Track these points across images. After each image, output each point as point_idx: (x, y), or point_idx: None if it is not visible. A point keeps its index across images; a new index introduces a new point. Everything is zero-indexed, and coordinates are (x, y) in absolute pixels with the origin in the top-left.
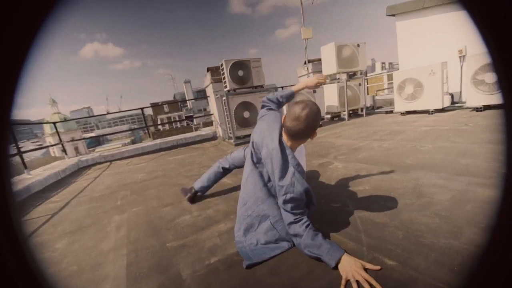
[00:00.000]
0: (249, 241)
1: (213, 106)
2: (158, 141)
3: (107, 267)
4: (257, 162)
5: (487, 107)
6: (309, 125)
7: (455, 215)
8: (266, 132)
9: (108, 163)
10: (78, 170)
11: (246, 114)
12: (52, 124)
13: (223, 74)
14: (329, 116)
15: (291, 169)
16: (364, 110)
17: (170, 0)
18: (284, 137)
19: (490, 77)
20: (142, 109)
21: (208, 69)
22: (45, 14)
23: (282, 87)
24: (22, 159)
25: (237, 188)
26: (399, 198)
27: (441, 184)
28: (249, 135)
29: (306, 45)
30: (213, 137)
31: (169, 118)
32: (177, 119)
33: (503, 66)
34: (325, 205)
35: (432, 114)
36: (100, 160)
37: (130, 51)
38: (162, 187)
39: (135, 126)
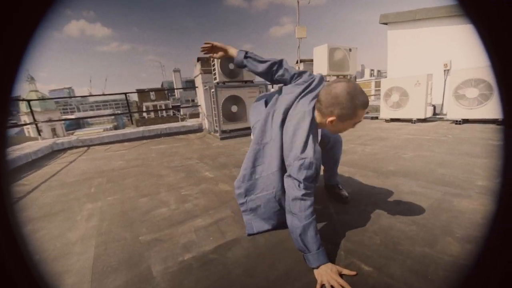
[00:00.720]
0: (250, 205)
1: (201, 97)
2: (141, 128)
3: (72, 259)
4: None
5: (465, 121)
6: (331, 101)
7: (431, 223)
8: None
9: (85, 148)
10: (52, 153)
11: (234, 109)
12: (27, 102)
13: (214, 65)
14: None
15: (312, 143)
16: None
17: None
18: (316, 112)
19: (471, 92)
20: (126, 94)
21: (198, 59)
22: None
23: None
24: None
25: (219, 181)
26: (379, 204)
27: (419, 192)
28: (236, 130)
29: (300, 44)
30: (199, 129)
31: (155, 106)
32: (164, 108)
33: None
34: None
35: (414, 123)
36: (77, 144)
37: (119, 33)
38: (141, 176)
39: (119, 112)
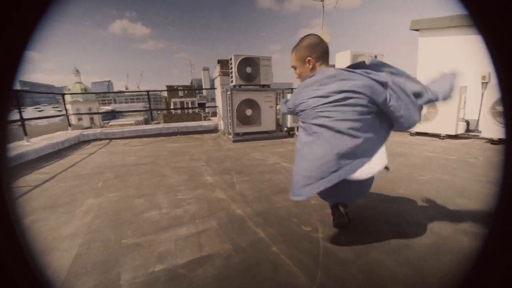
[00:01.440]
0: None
1: (218, 98)
2: (160, 125)
3: (56, 255)
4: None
5: (502, 140)
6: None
7: (428, 266)
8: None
9: (108, 141)
10: (78, 144)
11: (249, 112)
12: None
13: (231, 68)
14: None
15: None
16: None
17: None
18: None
19: None
20: (147, 92)
21: (218, 61)
22: None
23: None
24: (24, 126)
25: (216, 188)
26: (374, 234)
27: (425, 224)
28: (249, 134)
29: None
30: (214, 130)
31: (182, 103)
32: (190, 105)
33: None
34: (295, 227)
35: (443, 139)
36: (101, 137)
37: (157, 32)
38: (145, 175)
39: (149, 106)
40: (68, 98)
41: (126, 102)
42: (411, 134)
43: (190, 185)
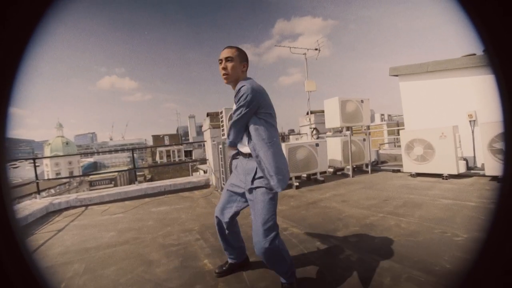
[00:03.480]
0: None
1: (209, 152)
2: (144, 185)
3: None
4: None
5: None
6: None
7: None
8: None
9: (83, 208)
10: (46, 216)
11: None
12: (50, 147)
13: (222, 121)
14: (331, 170)
15: None
16: (369, 167)
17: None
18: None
19: None
20: (132, 150)
21: (207, 114)
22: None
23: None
24: None
25: (219, 281)
26: None
27: None
28: None
29: (309, 97)
30: (205, 185)
31: (168, 151)
32: (176, 153)
33: None
34: None
35: (446, 179)
36: (75, 204)
37: (144, 85)
38: (125, 264)
39: (135, 155)
40: (48, 152)
41: (109, 153)
42: (412, 176)
43: (183, 279)
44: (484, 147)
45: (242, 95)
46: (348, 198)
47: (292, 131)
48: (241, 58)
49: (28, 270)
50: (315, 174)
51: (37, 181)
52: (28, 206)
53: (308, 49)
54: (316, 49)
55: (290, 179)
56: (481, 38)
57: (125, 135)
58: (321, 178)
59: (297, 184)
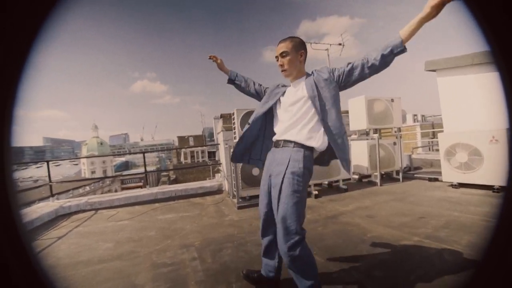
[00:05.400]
0: None
1: (222, 155)
2: (155, 189)
3: None
4: None
5: None
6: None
7: None
8: None
9: (93, 212)
10: (55, 220)
11: (255, 171)
12: (87, 147)
13: (234, 123)
14: (356, 177)
15: None
16: (400, 174)
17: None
18: None
19: None
20: (144, 153)
21: (221, 116)
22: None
23: None
24: None
25: None
26: None
27: None
28: (256, 196)
29: None
30: (218, 190)
31: (192, 152)
32: (200, 154)
33: None
34: None
35: (498, 192)
36: (86, 207)
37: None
38: (108, 286)
39: (163, 155)
40: (84, 151)
41: (141, 152)
42: (454, 186)
43: None
44: None
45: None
46: (374, 213)
47: None
48: (297, 47)
49: (33, 274)
50: (337, 181)
51: (50, 183)
52: (39, 209)
53: (331, 45)
54: (340, 44)
55: (309, 186)
56: None
57: (155, 136)
58: (344, 186)
59: (316, 192)
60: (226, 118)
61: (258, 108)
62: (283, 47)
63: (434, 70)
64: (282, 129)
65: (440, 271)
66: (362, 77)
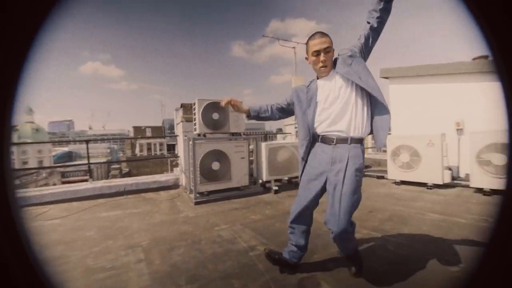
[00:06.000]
0: None
1: (180, 148)
2: (99, 183)
3: None
4: None
5: (494, 191)
6: None
7: None
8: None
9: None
10: None
11: (216, 166)
12: (18, 133)
13: (195, 114)
14: None
15: None
16: None
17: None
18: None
19: (498, 158)
20: (87, 141)
21: (181, 105)
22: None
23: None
24: None
25: None
26: None
27: None
28: (215, 192)
29: None
30: (174, 185)
31: (149, 144)
32: (158, 146)
33: None
34: None
35: (431, 189)
36: None
37: (131, 74)
38: None
39: (115, 146)
40: (15, 139)
41: (83, 141)
42: (396, 183)
43: None
44: (472, 157)
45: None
46: None
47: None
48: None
49: (33, 274)
50: (296, 177)
51: None
52: None
53: (298, 43)
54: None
55: (269, 182)
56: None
57: (107, 125)
58: None
59: (276, 188)
60: (187, 108)
61: (300, 117)
62: (327, 42)
63: (387, 78)
64: (329, 123)
65: (384, 262)
66: (377, 35)
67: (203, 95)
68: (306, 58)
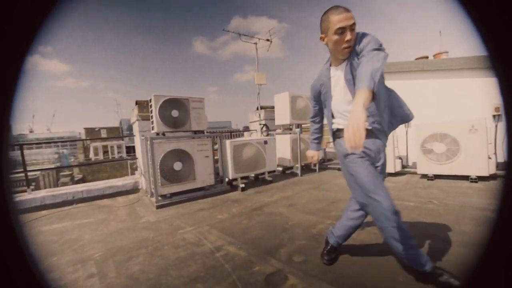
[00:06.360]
0: None
1: (138, 148)
2: (41, 193)
3: None
4: None
5: (437, 176)
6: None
7: None
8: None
9: None
10: None
11: (178, 166)
12: None
13: (151, 111)
14: (280, 169)
15: None
16: (317, 165)
17: (130, 28)
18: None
19: (439, 147)
20: (22, 145)
21: (136, 103)
22: None
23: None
24: None
25: None
26: None
27: None
28: (179, 193)
29: (259, 91)
30: (133, 189)
31: (105, 147)
32: (116, 149)
33: None
34: None
35: (386, 177)
36: None
37: (78, 70)
38: None
39: (65, 151)
40: None
41: (29, 148)
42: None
43: None
44: (417, 147)
45: (373, 38)
46: (295, 201)
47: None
48: None
49: (33, 275)
50: (263, 173)
51: None
52: None
53: (259, 39)
54: (267, 40)
55: (236, 180)
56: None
57: (52, 127)
58: (270, 178)
59: (243, 185)
60: (143, 105)
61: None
62: (352, 17)
63: None
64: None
65: (346, 249)
66: None
67: (164, 93)
68: (322, 38)
